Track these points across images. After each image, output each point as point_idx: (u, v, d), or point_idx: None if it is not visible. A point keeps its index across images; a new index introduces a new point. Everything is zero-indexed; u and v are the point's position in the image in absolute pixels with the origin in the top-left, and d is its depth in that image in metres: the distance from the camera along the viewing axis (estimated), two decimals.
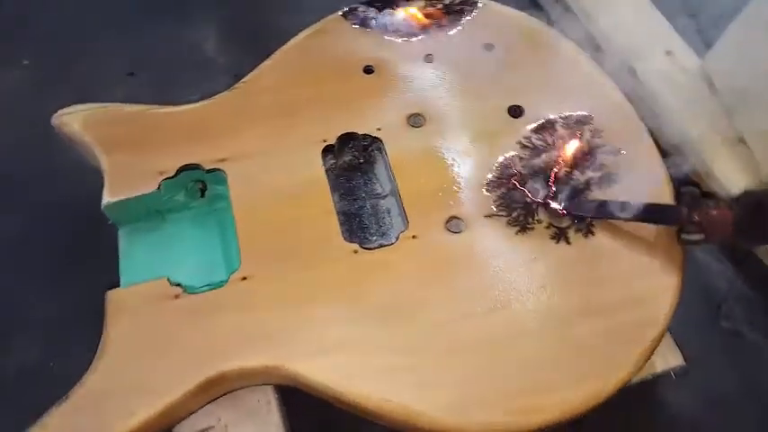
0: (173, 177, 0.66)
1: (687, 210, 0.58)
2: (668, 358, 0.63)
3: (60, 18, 0.95)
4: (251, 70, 0.89)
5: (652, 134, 0.69)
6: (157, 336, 0.57)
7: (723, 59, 0.78)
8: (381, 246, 0.63)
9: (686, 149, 0.78)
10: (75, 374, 0.55)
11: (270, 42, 0.91)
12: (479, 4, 0.77)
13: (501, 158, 0.67)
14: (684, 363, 0.62)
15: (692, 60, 0.82)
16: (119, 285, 0.63)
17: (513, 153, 0.67)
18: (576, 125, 0.68)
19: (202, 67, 0.89)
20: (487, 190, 0.65)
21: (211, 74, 0.89)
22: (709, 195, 0.60)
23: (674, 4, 0.88)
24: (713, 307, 0.73)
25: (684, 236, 0.59)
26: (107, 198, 0.64)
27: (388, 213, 0.67)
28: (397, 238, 0.62)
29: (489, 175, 0.66)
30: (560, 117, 0.69)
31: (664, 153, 0.69)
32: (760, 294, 0.73)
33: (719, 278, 0.74)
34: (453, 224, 0.63)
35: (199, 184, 0.70)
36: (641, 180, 0.64)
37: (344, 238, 0.62)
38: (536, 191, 0.64)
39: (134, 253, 0.68)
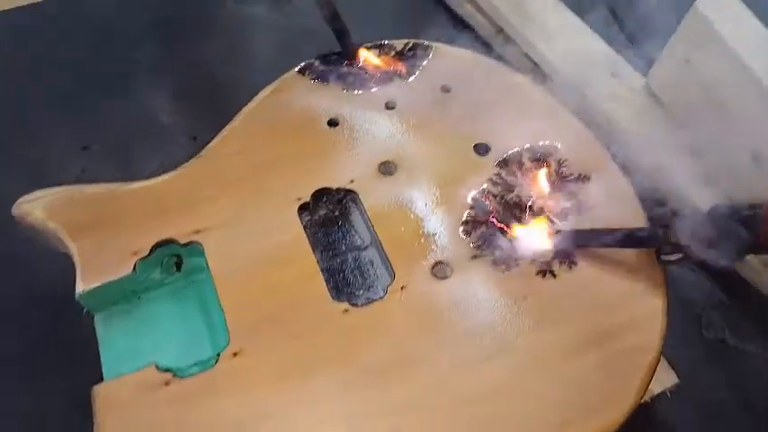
0: (147, 256, 0.64)
1: (663, 231, 0.60)
2: (663, 379, 0.64)
3: (1, 96, 0.91)
4: (209, 131, 0.88)
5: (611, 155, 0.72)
6: (154, 430, 0.55)
7: (666, 76, 0.82)
8: (370, 300, 0.63)
9: (643, 165, 0.81)
10: None
11: (223, 101, 0.90)
12: (430, 49, 0.79)
13: (476, 198, 0.67)
14: (679, 380, 0.64)
15: (637, 79, 0.86)
16: (100, 374, 0.61)
17: (486, 191, 0.68)
18: (542, 157, 0.70)
19: (158, 133, 0.87)
20: (467, 231, 0.65)
21: (169, 139, 0.87)
22: (678, 213, 0.62)
23: (611, 27, 0.91)
24: (694, 318, 0.75)
25: (664, 257, 0.60)
26: (81, 287, 0.62)
27: (372, 265, 0.67)
28: (386, 291, 0.62)
29: (467, 216, 0.66)
30: (525, 150, 0.71)
31: (626, 172, 0.72)
32: (737, 301, 0.76)
33: (695, 289, 0.77)
34: (439, 270, 0.63)
35: (174, 258, 0.68)
36: (613, 205, 0.66)
37: (333, 298, 0.62)
38: (514, 226, 0.65)
39: (113, 339, 0.65)
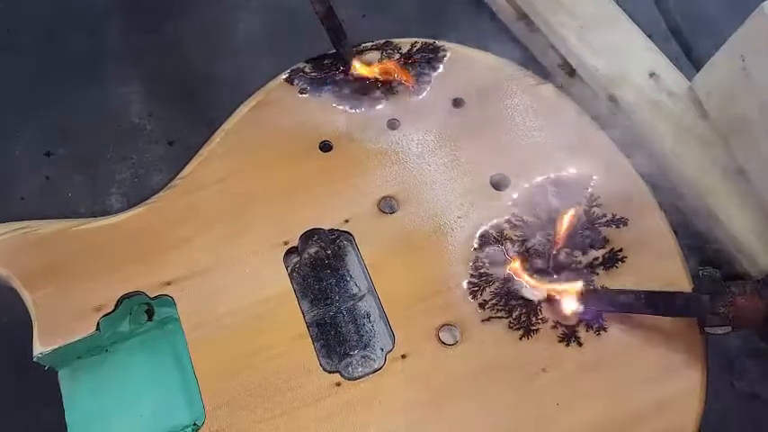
0: (112, 312, 0.56)
1: (710, 299, 0.51)
2: None
3: None
4: (186, 135, 0.78)
5: (642, 175, 0.62)
6: None
7: (716, 83, 0.70)
8: (366, 360, 0.56)
9: (680, 186, 0.71)
10: None
11: (202, 97, 0.80)
12: (442, 51, 0.67)
13: (491, 245, 0.58)
14: None
15: (680, 83, 0.74)
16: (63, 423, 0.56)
17: (503, 236, 0.59)
18: (571, 192, 0.60)
19: (130, 136, 0.77)
20: (479, 287, 0.56)
21: (141, 143, 0.77)
22: (730, 277, 0.53)
23: (654, 18, 0.78)
24: (725, 366, 0.67)
25: (708, 329, 0.52)
26: (39, 348, 0.55)
27: (368, 319, 0.59)
28: (384, 359, 0.54)
29: (480, 269, 0.57)
30: (551, 184, 0.61)
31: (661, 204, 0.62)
32: None
33: (730, 334, 0.68)
34: (446, 333, 0.55)
35: (144, 306, 0.60)
36: (651, 256, 0.57)
37: (323, 367, 0.54)
38: (535, 282, 0.56)
39: (80, 399, 0.58)
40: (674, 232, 0.59)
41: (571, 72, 0.78)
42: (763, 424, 0.66)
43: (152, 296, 0.56)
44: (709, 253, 0.65)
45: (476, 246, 0.58)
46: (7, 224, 0.59)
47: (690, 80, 0.74)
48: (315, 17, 0.65)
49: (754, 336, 0.69)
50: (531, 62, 0.79)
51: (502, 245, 0.58)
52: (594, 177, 0.61)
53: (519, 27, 0.83)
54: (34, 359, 0.55)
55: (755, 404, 0.66)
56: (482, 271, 0.57)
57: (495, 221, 0.59)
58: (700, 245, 0.64)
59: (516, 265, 0.57)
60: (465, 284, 0.57)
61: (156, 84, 0.80)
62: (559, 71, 0.79)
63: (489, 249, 0.58)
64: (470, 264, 0.57)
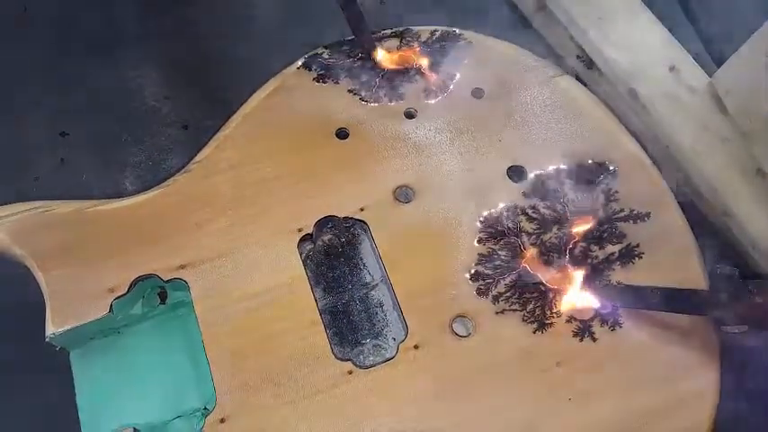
0: (126, 294, 0.56)
1: (727, 297, 0.50)
2: None
3: None
4: (201, 119, 0.78)
5: (660, 169, 0.62)
6: None
7: (737, 79, 0.69)
8: (378, 349, 0.56)
9: (698, 183, 0.70)
10: None
11: (218, 80, 0.79)
12: (461, 39, 0.67)
13: (506, 237, 0.58)
14: None
15: (700, 78, 0.73)
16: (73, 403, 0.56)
17: (519, 228, 0.58)
18: (589, 186, 0.60)
19: (145, 118, 0.77)
20: (494, 279, 0.56)
21: (156, 125, 0.76)
22: (747, 276, 0.52)
23: (675, 11, 0.77)
24: (739, 365, 0.67)
25: (725, 328, 0.51)
26: (51, 329, 0.55)
27: (381, 307, 0.58)
28: (397, 349, 0.54)
29: (495, 261, 0.57)
30: (569, 177, 0.60)
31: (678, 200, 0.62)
32: None
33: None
34: (460, 325, 0.55)
35: (157, 289, 0.60)
36: (668, 253, 0.57)
37: (335, 355, 0.54)
38: (551, 276, 0.56)
39: (91, 380, 0.58)
40: (692, 229, 0.59)
41: (590, 64, 0.77)
42: None
43: (165, 279, 0.56)
44: (726, 251, 0.64)
45: (491, 237, 0.58)
46: (22, 203, 0.59)
47: (710, 75, 0.73)
48: (334, 1, 0.64)
49: None
50: (549, 53, 0.78)
51: (517, 238, 0.58)
52: (612, 170, 0.60)
53: (538, 18, 0.82)
54: (46, 340, 0.55)
55: None
56: (497, 263, 0.57)
57: (511, 213, 0.59)
58: (717, 243, 0.63)
59: (531, 257, 0.57)
60: (480, 276, 0.56)
61: (172, 67, 0.80)
62: (578, 63, 0.78)
63: (505, 243, 0.58)
64: (485, 255, 0.57)
